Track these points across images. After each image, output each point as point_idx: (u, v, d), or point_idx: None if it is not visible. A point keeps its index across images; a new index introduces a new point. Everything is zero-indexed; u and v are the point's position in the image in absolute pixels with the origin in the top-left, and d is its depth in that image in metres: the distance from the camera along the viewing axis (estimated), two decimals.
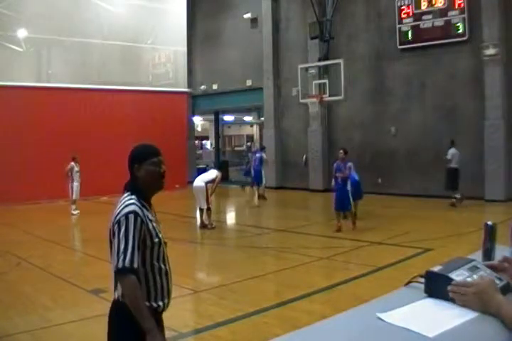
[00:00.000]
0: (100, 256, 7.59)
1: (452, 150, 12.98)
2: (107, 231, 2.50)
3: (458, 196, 12.81)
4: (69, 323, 5.05)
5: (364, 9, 16.26)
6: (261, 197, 15.61)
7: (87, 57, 17.41)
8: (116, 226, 2.38)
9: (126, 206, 2.43)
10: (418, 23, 14.76)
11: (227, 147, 33.66)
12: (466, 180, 13.79)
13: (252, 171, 15.94)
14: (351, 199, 9.99)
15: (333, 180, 10.49)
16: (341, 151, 10.22)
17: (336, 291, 6.12)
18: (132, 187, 2.54)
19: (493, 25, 13.20)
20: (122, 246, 2.32)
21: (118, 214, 2.41)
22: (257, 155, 15.83)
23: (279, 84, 18.74)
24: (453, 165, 12.82)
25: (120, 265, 2.30)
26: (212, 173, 11.02)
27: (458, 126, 14.15)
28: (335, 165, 10.24)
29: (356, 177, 11.64)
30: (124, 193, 2.55)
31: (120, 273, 2.32)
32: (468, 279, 1.26)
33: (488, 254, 1.55)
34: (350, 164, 10.06)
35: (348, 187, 9.94)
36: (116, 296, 2.46)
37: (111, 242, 2.44)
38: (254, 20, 19.57)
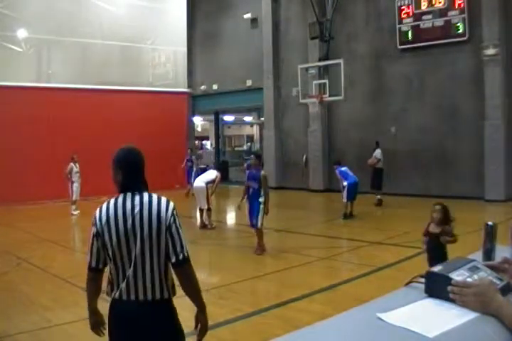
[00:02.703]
0: None
1: (379, 151, 13.66)
2: (148, 226, 2.45)
3: (379, 197, 13.32)
4: (69, 323, 5.05)
5: (364, 9, 16.26)
6: None
7: (87, 57, 17.43)
8: (172, 218, 2.49)
9: (169, 201, 2.57)
10: (418, 23, 14.75)
11: (227, 147, 33.66)
12: (466, 180, 13.81)
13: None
14: (261, 215, 8.01)
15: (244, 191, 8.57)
16: (252, 156, 8.71)
17: (336, 291, 6.12)
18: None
19: (493, 25, 13.20)
20: (183, 237, 2.49)
21: (168, 207, 2.51)
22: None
23: (279, 84, 18.74)
24: (380, 165, 13.51)
25: (186, 254, 2.48)
26: (212, 174, 11.02)
27: (458, 126, 14.16)
28: (247, 172, 8.68)
29: (355, 179, 11.70)
30: (143, 192, 2.56)
31: (187, 262, 2.49)
32: (469, 279, 1.26)
33: (488, 254, 1.55)
34: (263, 173, 8.27)
35: (261, 199, 8.04)
36: (167, 295, 2.50)
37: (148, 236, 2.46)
38: (254, 21, 19.57)
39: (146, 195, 2.52)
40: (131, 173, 2.56)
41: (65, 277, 6.83)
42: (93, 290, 2.62)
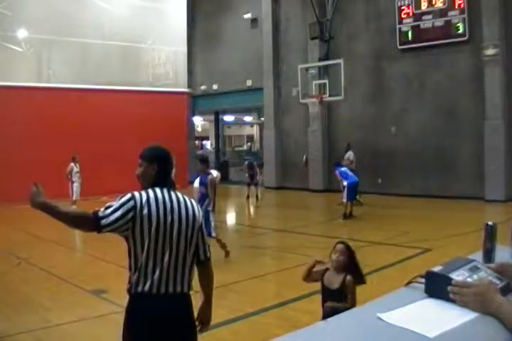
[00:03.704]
0: (100, 256, 7.64)
1: (351, 153, 13.88)
2: (188, 227, 2.59)
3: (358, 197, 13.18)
4: (69, 323, 5.05)
5: (364, 9, 16.26)
6: (256, 197, 15.83)
7: (87, 57, 17.41)
8: (201, 219, 2.72)
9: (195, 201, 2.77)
10: (418, 23, 14.76)
11: (227, 147, 33.65)
12: (466, 180, 13.81)
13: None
14: (213, 224, 7.67)
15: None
16: (199, 162, 8.22)
17: None
18: None
19: (493, 25, 13.20)
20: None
21: (198, 207, 2.71)
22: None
23: (279, 84, 18.74)
24: (353, 166, 13.44)
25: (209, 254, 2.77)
26: (212, 174, 11.01)
27: (458, 126, 14.16)
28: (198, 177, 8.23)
29: (356, 179, 11.71)
30: (174, 190, 2.68)
31: (209, 260, 2.77)
32: (469, 279, 1.26)
33: (488, 254, 1.55)
34: (211, 177, 7.84)
35: (210, 207, 7.76)
36: (190, 289, 2.66)
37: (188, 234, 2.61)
38: (254, 21, 19.58)
39: (178, 193, 2.66)
40: (166, 170, 2.70)
41: (65, 277, 6.82)
42: (70, 218, 2.54)
